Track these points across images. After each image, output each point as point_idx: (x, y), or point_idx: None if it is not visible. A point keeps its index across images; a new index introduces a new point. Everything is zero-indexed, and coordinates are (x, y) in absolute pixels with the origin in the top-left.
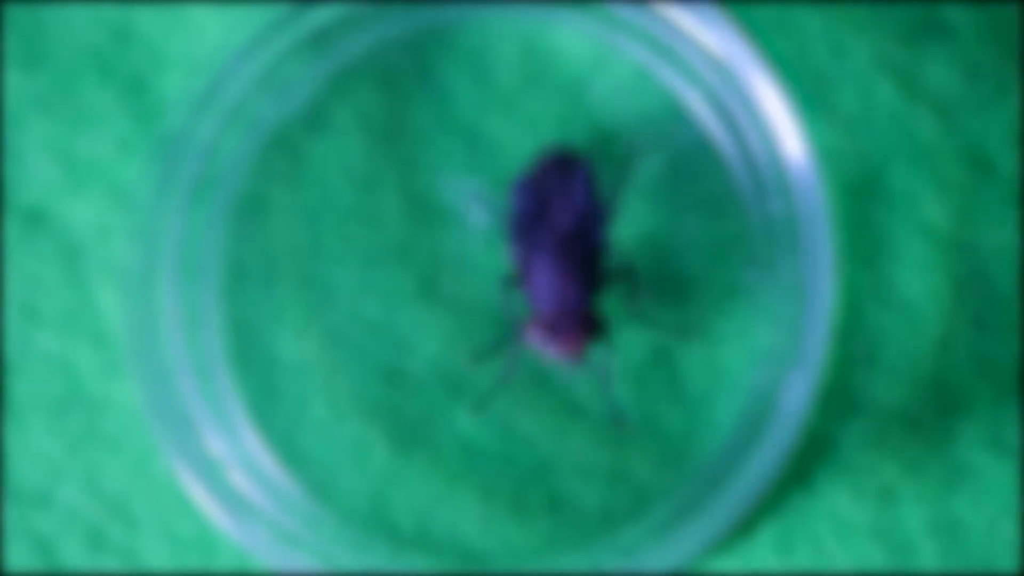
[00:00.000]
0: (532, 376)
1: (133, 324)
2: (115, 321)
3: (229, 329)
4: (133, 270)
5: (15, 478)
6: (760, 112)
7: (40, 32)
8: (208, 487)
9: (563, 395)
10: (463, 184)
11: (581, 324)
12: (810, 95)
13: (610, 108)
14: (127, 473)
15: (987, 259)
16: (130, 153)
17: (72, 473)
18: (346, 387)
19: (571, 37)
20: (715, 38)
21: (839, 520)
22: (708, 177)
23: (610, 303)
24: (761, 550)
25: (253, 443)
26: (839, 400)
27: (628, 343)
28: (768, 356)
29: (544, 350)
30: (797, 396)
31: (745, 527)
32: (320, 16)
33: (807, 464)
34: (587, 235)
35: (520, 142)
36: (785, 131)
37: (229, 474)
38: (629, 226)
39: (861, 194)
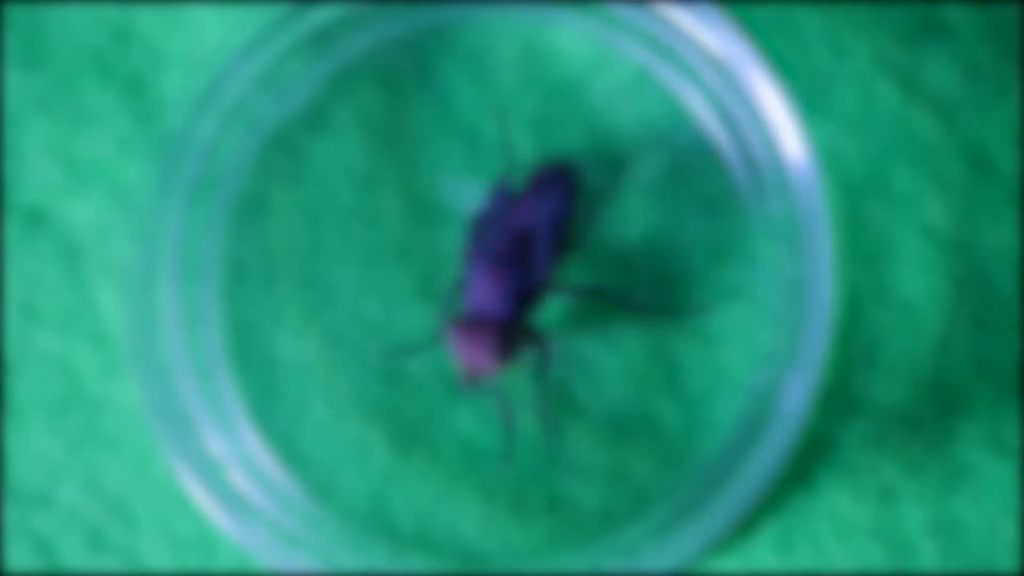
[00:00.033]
0: (532, 376)
1: (133, 324)
2: (115, 321)
3: (229, 329)
4: (133, 270)
5: (15, 478)
6: (760, 112)
7: (40, 32)
8: (208, 487)
9: (563, 395)
10: (463, 184)
11: (495, 337)
12: (810, 95)
13: (610, 108)
14: (127, 473)
15: (987, 259)
16: (130, 153)
17: (72, 473)
18: (346, 387)
19: (571, 37)
20: (715, 38)
21: (839, 520)
22: (708, 177)
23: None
24: (761, 550)
25: (253, 443)
26: (839, 400)
27: (629, 343)
28: (768, 356)
29: (456, 355)
30: (797, 396)
31: (745, 527)
32: (320, 16)
33: (807, 464)
34: (536, 249)
35: (520, 142)
36: (785, 131)
37: (229, 474)
38: (629, 226)
39: (861, 194)
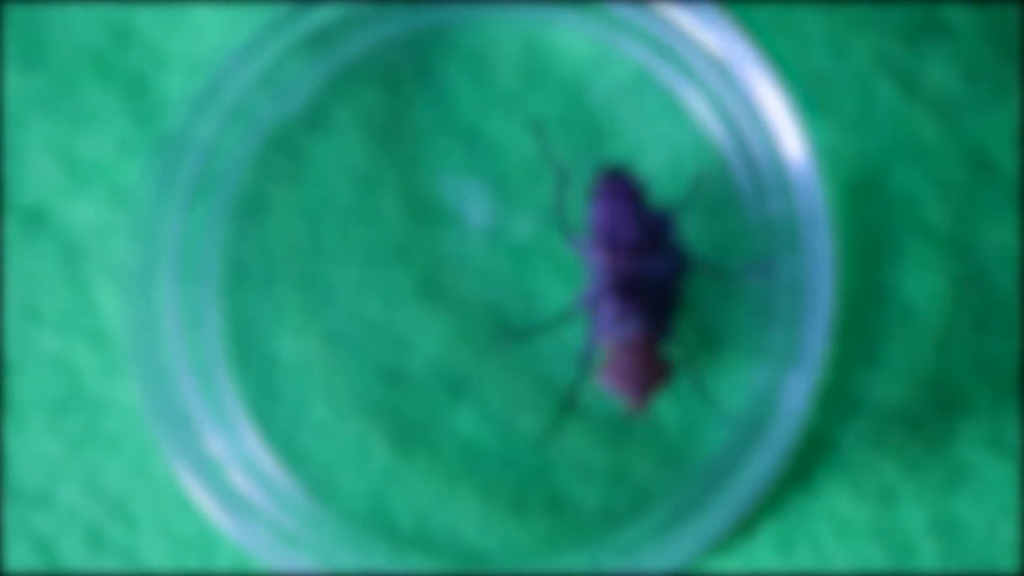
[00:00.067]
0: (532, 376)
1: (133, 324)
2: (115, 321)
3: (229, 329)
4: (133, 270)
5: (15, 478)
6: (760, 112)
7: (40, 32)
8: (208, 487)
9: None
10: (463, 184)
11: (650, 373)
12: (810, 95)
13: (610, 108)
14: (127, 473)
15: (987, 259)
16: (130, 153)
17: (72, 473)
18: (346, 387)
19: (571, 37)
20: (715, 38)
21: (839, 520)
22: (708, 177)
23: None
24: (761, 550)
25: (253, 443)
26: (839, 400)
27: None
28: (768, 356)
29: (612, 391)
30: (797, 396)
31: (745, 527)
32: (320, 16)
33: (807, 464)
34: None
35: (520, 142)
36: (785, 131)
37: (229, 474)
38: None
39: (861, 194)
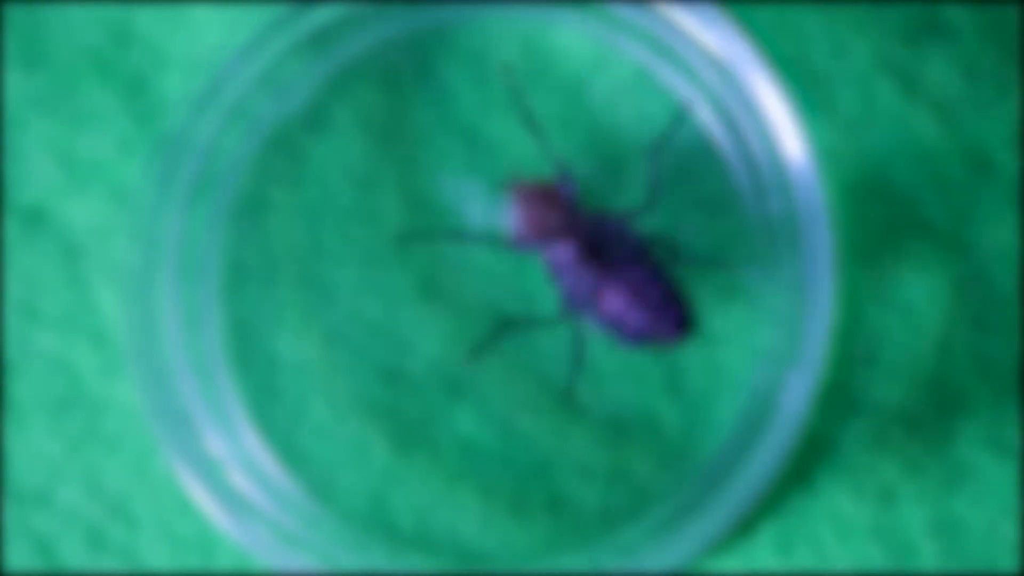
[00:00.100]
0: (532, 376)
1: (133, 324)
2: (115, 321)
3: (229, 329)
4: (133, 270)
5: (15, 478)
6: (760, 112)
7: (40, 32)
8: (208, 487)
9: (563, 395)
10: (463, 184)
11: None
12: (810, 95)
13: (610, 108)
14: (127, 473)
15: (987, 259)
16: (130, 153)
17: (72, 473)
18: (346, 387)
19: (571, 37)
20: (715, 38)
21: (839, 520)
22: (708, 177)
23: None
24: (761, 550)
25: (253, 443)
26: (839, 400)
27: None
28: (768, 356)
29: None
30: (797, 396)
31: (745, 527)
32: (320, 16)
33: (807, 464)
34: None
35: (520, 142)
36: (785, 131)
37: (229, 474)
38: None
39: (861, 194)
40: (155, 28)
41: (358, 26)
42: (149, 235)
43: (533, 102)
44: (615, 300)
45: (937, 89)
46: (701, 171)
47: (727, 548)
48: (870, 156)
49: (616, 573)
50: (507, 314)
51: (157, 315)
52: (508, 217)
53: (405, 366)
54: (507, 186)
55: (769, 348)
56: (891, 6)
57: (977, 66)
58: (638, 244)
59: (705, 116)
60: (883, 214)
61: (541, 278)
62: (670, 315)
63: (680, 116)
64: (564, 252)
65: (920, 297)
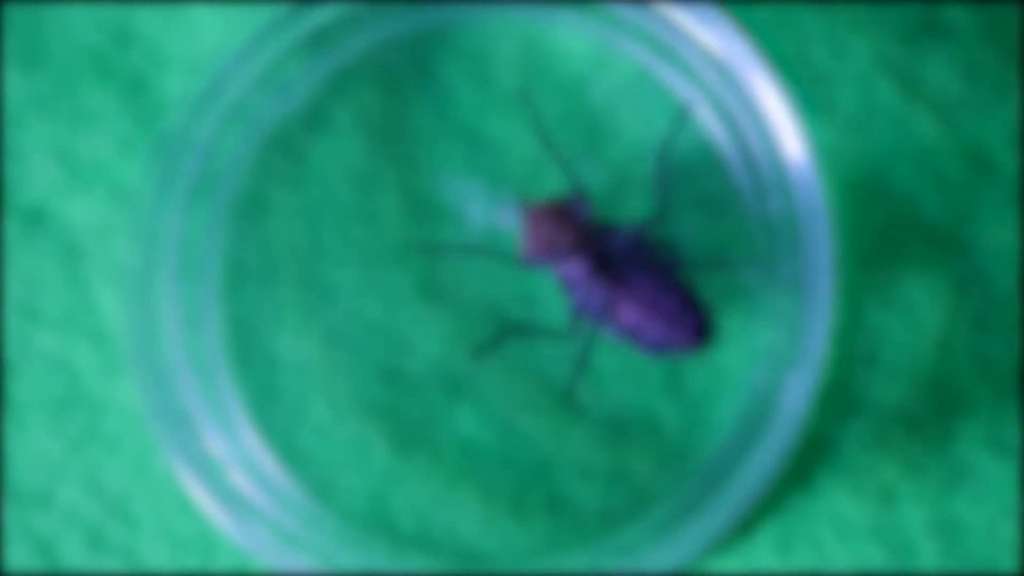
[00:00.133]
0: (532, 376)
1: (133, 324)
2: (115, 321)
3: (229, 329)
4: (133, 270)
5: (15, 478)
6: (760, 112)
7: (40, 32)
8: (208, 487)
9: (563, 395)
10: (463, 184)
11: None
12: (810, 95)
13: (610, 108)
14: (127, 473)
15: (987, 259)
16: (130, 153)
17: (72, 473)
18: (346, 387)
19: (571, 37)
20: (715, 38)
21: (839, 520)
22: (708, 177)
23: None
24: (761, 550)
25: (253, 443)
26: (839, 400)
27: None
28: (768, 356)
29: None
30: (797, 396)
31: (745, 527)
32: (320, 16)
33: (807, 464)
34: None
35: (520, 142)
36: (785, 131)
37: (229, 474)
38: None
39: (861, 194)
40: (155, 28)
41: (358, 26)
42: (149, 235)
43: (533, 102)
44: (631, 313)
45: (937, 89)
46: (701, 171)
47: (727, 548)
48: (870, 156)
49: (616, 573)
50: (507, 314)
51: (157, 315)
52: (519, 235)
53: (405, 366)
54: (517, 204)
55: (769, 348)
56: (891, 6)
57: (977, 66)
58: (651, 254)
59: (705, 116)
60: (883, 214)
61: (541, 278)
62: (687, 323)
63: (681, 117)
64: (576, 268)
65: (920, 297)
